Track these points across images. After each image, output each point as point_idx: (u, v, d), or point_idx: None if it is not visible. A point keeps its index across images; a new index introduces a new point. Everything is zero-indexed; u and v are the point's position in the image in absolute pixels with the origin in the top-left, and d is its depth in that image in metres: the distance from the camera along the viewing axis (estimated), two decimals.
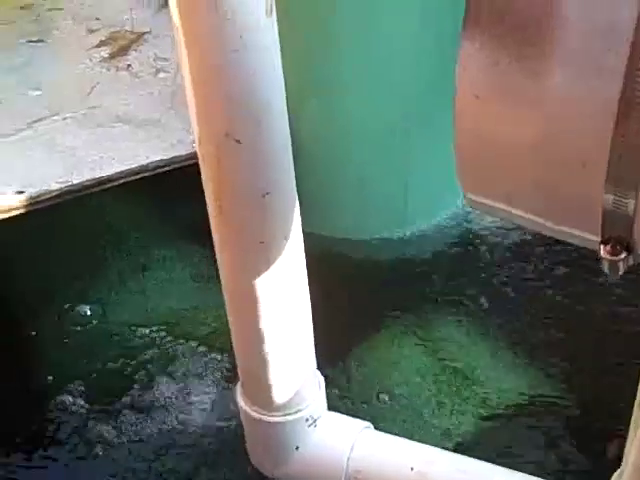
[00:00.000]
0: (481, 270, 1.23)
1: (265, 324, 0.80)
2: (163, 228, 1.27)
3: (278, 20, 0.69)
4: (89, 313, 1.17)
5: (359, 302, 1.23)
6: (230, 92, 0.69)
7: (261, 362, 0.82)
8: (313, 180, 1.21)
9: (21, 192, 0.98)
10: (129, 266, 1.24)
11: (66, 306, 1.17)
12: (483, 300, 1.19)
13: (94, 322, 1.17)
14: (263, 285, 0.78)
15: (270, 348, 0.82)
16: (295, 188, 0.78)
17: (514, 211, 0.53)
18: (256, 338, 0.81)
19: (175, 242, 1.27)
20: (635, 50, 0.43)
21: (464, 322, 1.17)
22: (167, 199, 1.27)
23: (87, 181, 1.01)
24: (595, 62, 0.44)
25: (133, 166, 1.05)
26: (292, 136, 1.18)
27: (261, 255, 0.77)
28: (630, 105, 0.44)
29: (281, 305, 0.81)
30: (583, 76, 0.45)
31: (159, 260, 1.26)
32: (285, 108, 0.75)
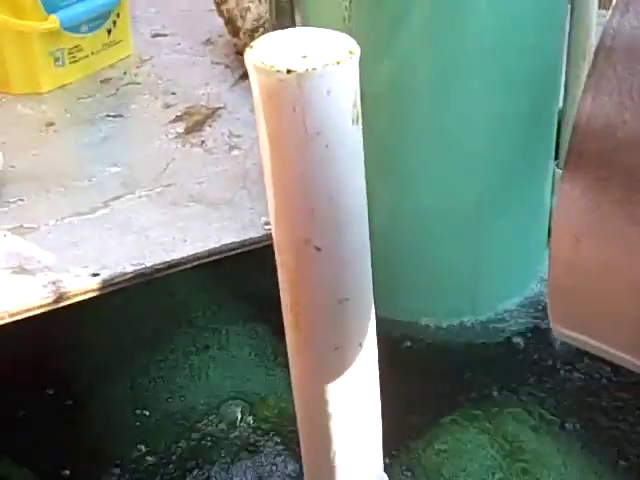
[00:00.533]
0: (553, 364, 1.20)
1: (335, 429, 0.79)
2: (231, 308, 1.27)
3: None
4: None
5: (425, 389, 1.21)
6: (313, 201, 0.68)
7: (329, 468, 0.81)
8: (382, 261, 1.20)
9: (96, 275, 0.98)
10: (194, 345, 1.24)
11: (128, 383, 1.18)
12: (553, 397, 1.16)
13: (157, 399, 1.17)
14: (335, 391, 0.77)
15: (339, 454, 0.80)
16: (372, 293, 0.77)
17: (605, 347, 0.51)
18: (325, 442, 0.80)
19: (243, 322, 1.27)
20: None
21: (535, 417, 1.13)
22: (236, 279, 1.28)
23: (159, 264, 1.01)
24: None
25: (204, 249, 1.05)
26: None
27: (335, 361, 0.76)
28: None
29: (353, 411, 0.79)
30: None
31: (226, 340, 1.26)
32: (366, 213, 0.74)
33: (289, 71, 0.64)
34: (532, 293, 1.31)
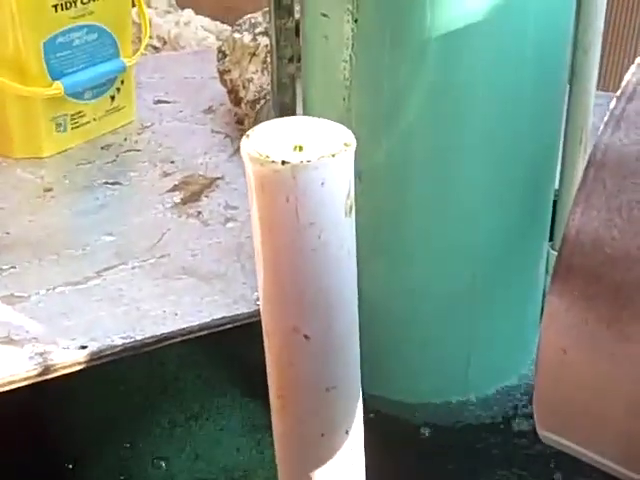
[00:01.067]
0: (542, 449, 1.19)
1: None
2: (221, 380, 1.26)
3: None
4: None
5: (413, 468, 1.19)
6: (303, 289, 0.68)
7: None
8: (373, 338, 1.20)
9: (84, 347, 0.98)
10: (183, 416, 1.23)
11: (114, 453, 1.16)
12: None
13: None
14: (321, 477, 0.76)
15: None
16: (360, 380, 0.77)
17: (590, 454, 0.50)
18: None
19: (233, 395, 1.26)
20: None
21: None
22: (226, 352, 1.27)
23: (149, 337, 1.01)
24: None
25: (195, 323, 1.05)
26: (359, 298, 1.16)
27: (321, 448, 0.75)
28: None
29: None
30: None
31: (213, 410, 1.24)
32: (356, 302, 0.74)
33: (284, 162, 0.64)
34: (525, 375, 1.30)
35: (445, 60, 1.00)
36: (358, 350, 0.75)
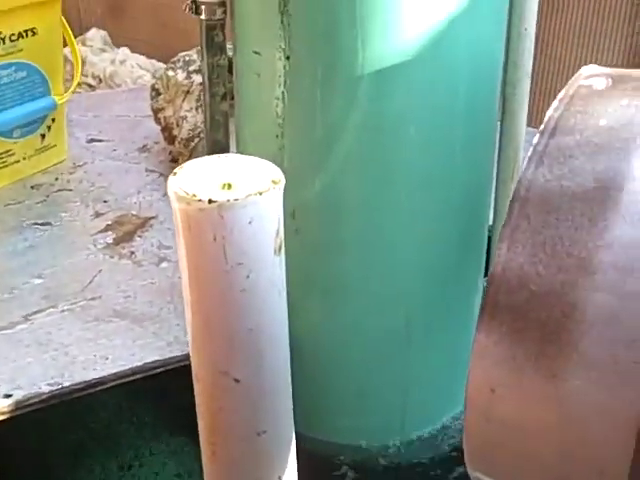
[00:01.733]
0: None
1: None
2: (154, 423, 1.23)
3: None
4: None
5: None
6: (232, 331, 0.67)
7: None
8: (310, 381, 1.18)
9: (9, 396, 0.94)
10: (115, 463, 1.19)
11: None
12: None
13: None
14: None
15: None
16: (293, 424, 0.75)
17: None
18: None
19: (167, 438, 1.23)
20: None
21: None
22: (160, 396, 1.24)
23: (78, 384, 0.97)
24: (618, 372, 0.42)
25: (126, 367, 1.02)
26: (290, 335, 1.14)
27: None
28: None
29: None
30: (605, 385, 0.42)
31: (147, 457, 1.21)
32: (287, 343, 0.72)
33: (211, 201, 0.63)
34: (459, 415, 1.29)
35: (377, 97, 1.00)
36: (290, 393, 0.74)
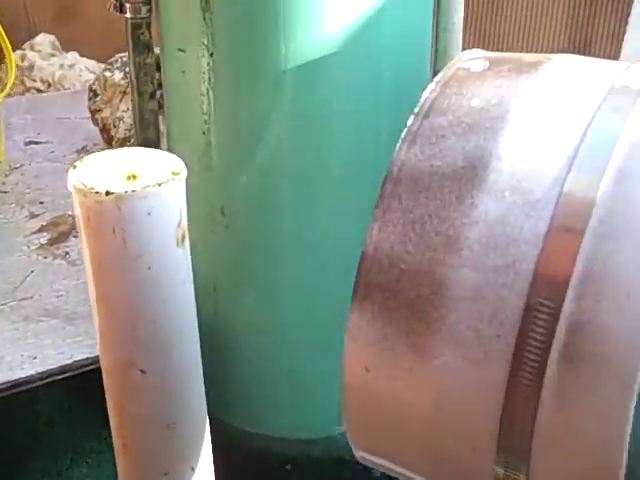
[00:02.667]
0: None
1: None
2: (92, 424, 1.22)
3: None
4: None
5: None
6: (137, 323, 0.66)
7: None
8: (243, 371, 1.18)
9: None
10: (54, 464, 1.18)
11: None
12: None
13: None
14: None
15: None
16: (206, 414, 0.75)
17: (405, 472, 0.50)
18: None
19: (106, 437, 1.22)
20: (522, 338, 0.41)
21: None
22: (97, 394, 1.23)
23: (3, 384, 0.96)
24: (482, 346, 0.42)
25: (55, 366, 1.01)
26: (225, 331, 1.14)
27: None
28: (516, 392, 0.42)
29: None
30: (470, 359, 0.43)
31: (85, 455, 1.20)
32: (196, 334, 0.72)
33: (108, 193, 0.63)
34: None
35: (301, 91, 1.00)
36: (202, 384, 0.73)
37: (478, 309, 0.42)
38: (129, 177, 0.66)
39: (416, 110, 0.48)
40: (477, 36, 1.89)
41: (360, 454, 0.50)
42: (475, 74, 0.50)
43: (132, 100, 1.17)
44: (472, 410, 0.43)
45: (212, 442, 1.20)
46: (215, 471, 1.16)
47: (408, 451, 0.47)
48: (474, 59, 0.52)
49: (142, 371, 0.68)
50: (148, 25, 1.13)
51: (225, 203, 1.08)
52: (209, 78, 1.03)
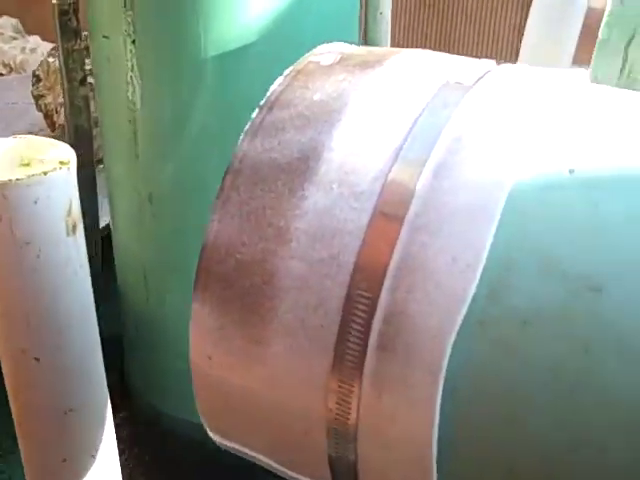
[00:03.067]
0: None
1: None
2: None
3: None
4: None
5: None
6: (28, 310, 0.67)
7: None
8: (180, 362, 1.19)
9: None
10: None
11: None
12: None
13: None
14: None
15: None
16: (107, 401, 0.76)
17: (257, 456, 0.51)
18: None
19: None
20: (343, 328, 0.42)
21: None
22: None
23: None
24: (308, 336, 0.44)
25: None
26: (155, 318, 1.14)
27: (64, 474, 0.74)
28: (340, 380, 0.43)
29: None
30: (298, 349, 0.44)
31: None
32: (93, 321, 0.73)
33: None
34: None
35: (222, 80, 1.01)
36: (102, 371, 0.74)
37: (305, 299, 0.44)
38: (22, 165, 0.67)
39: (262, 102, 0.49)
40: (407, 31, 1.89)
41: (216, 438, 0.51)
42: (323, 68, 0.51)
43: (61, 86, 1.18)
44: (302, 397, 0.44)
45: (149, 431, 1.21)
46: (152, 460, 1.17)
47: (252, 436, 0.48)
48: (327, 53, 0.53)
49: (36, 359, 0.69)
50: (75, 11, 1.14)
51: (153, 191, 1.08)
52: (132, 66, 1.04)
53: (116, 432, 0.77)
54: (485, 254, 0.40)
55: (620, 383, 0.38)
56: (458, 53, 0.53)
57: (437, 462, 0.41)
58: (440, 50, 0.53)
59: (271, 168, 0.46)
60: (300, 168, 0.45)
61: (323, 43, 1.06)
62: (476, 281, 0.40)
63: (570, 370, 0.39)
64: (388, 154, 0.44)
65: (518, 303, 0.40)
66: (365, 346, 0.42)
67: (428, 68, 0.49)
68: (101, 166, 1.23)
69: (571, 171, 0.42)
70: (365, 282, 0.42)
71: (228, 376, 0.47)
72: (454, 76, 0.47)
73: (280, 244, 0.44)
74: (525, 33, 0.80)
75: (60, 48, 1.15)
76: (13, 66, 2.54)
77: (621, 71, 0.83)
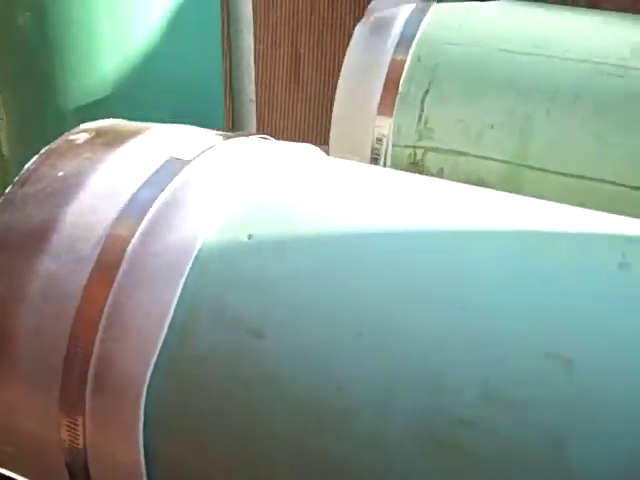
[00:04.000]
0: None
1: None
2: None
3: None
4: None
5: None
6: None
7: None
8: None
9: None
10: None
11: None
12: None
13: None
14: None
15: None
16: None
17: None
18: None
19: None
20: (66, 375, 0.50)
21: None
22: None
23: None
24: (41, 384, 0.51)
25: None
26: None
27: None
28: (69, 422, 0.50)
29: None
30: (34, 393, 0.51)
31: None
32: None
33: None
34: None
35: None
36: None
37: (36, 351, 0.51)
38: None
39: (16, 179, 0.57)
40: None
41: None
42: (74, 147, 0.58)
43: None
44: (40, 434, 0.52)
45: None
46: None
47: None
48: (83, 131, 0.61)
49: None
50: None
51: None
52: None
53: None
54: (172, 307, 0.48)
55: (281, 424, 0.46)
56: None
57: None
58: None
59: (17, 237, 0.53)
60: (37, 238, 0.53)
61: (183, 87, 1.11)
62: (164, 330, 0.48)
63: (236, 407, 0.47)
64: (108, 222, 0.51)
65: (198, 346, 0.48)
66: (84, 389, 0.49)
67: (161, 145, 0.57)
68: None
69: (250, 236, 0.50)
70: (81, 335, 0.49)
71: None
72: (178, 151, 0.55)
73: (17, 302, 0.52)
74: (337, 89, 0.90)
75: None
76: None
77: (419, 121, 0.92)
